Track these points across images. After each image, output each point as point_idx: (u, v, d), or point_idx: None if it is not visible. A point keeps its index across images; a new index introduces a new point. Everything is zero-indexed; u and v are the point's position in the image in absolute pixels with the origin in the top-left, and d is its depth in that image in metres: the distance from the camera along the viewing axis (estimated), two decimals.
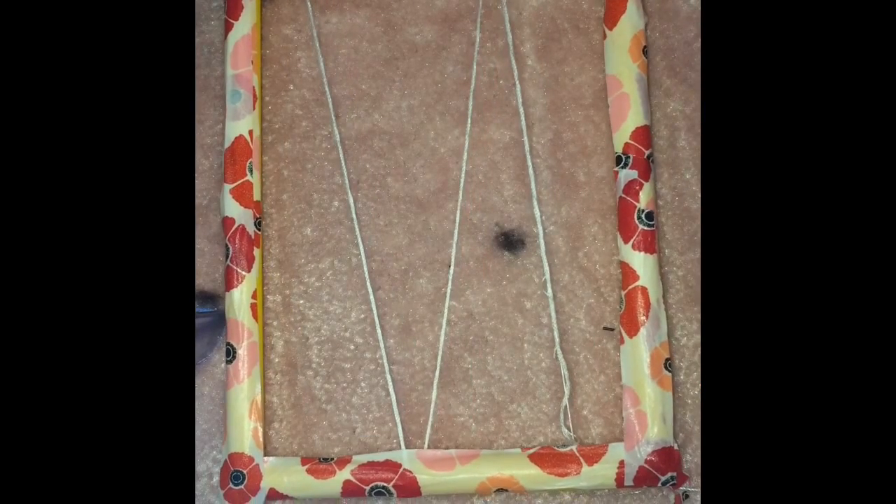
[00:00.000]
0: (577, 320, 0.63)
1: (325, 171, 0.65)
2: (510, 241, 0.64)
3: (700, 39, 0.66)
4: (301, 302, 0.63)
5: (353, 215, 0.64)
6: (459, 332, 0.63)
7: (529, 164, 0.64)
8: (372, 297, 0.63)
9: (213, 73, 0.66)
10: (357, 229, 0.64)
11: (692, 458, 0.61)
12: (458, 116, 0.65)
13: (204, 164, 0.65)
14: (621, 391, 0.61)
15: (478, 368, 0.62)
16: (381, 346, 0.63)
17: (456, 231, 0.64)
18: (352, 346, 0.63)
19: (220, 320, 0.62)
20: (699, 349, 0.62)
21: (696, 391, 0.61)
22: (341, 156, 0.65)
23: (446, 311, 0.63)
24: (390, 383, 0.62)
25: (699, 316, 0.62)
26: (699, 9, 0.66)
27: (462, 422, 0.62)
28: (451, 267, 0.63)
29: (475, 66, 0.66)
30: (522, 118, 0.65)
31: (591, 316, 0.63)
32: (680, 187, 0.64)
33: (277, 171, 0.65)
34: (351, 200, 0.64)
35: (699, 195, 0.64)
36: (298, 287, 0.64)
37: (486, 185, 0.64)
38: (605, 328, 0.62)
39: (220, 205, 0.63)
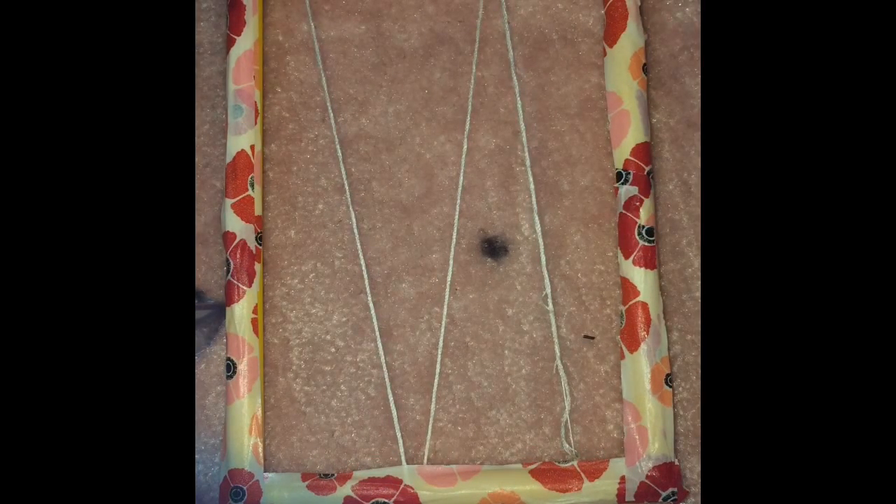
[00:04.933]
0: (558, 328, 0.63)
1: (311, 174, 0.65)
2: (493, 248, 0.64)
3: (686, 51, 0.66)
4: (283, 304, 0.64)
5: (353, 219, 0.64)
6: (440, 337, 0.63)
7: (529, 173, 0.64)
8: (370, 299, 0.63)
9: (200, 73, 0.66)
10: (356, 233, 0.64)
11: (689, 476, 0.61)
12: (445, 123, 0.66)
13: None
14: (601, 400, 0.62)
15: (458, 374, 0.63)
16: (380, 350, 0.63)
17: (454, 234, 0.64)
18: (332, 349, 0.63)
19: (219, 312, 0.63)
20: (678, 359, 0.62)
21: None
22: (340, 159, 0.65)
23: (444, 314, 0.63)
24: (391, 397, 0.62)
25: (679, 325, 0.63)
26: (685, 22, 0.67)
27: (441, 427, 0.62)
28: (450, 269, 0.63)
29: (474, 71, 0.66)
30: (523, 129, 0.65)
31: (571, 324, 0.63)
32: (663, 198, 0.64)
33: (262, 173, 0.65)
34: (349, 201, 0.64)
35: (682, 206, 0.64)
36: (280, 289, 0.64)
37: (470, 191, 0.65)
38: (586, 336, 0.63)
39: (221, 220, 0.63)
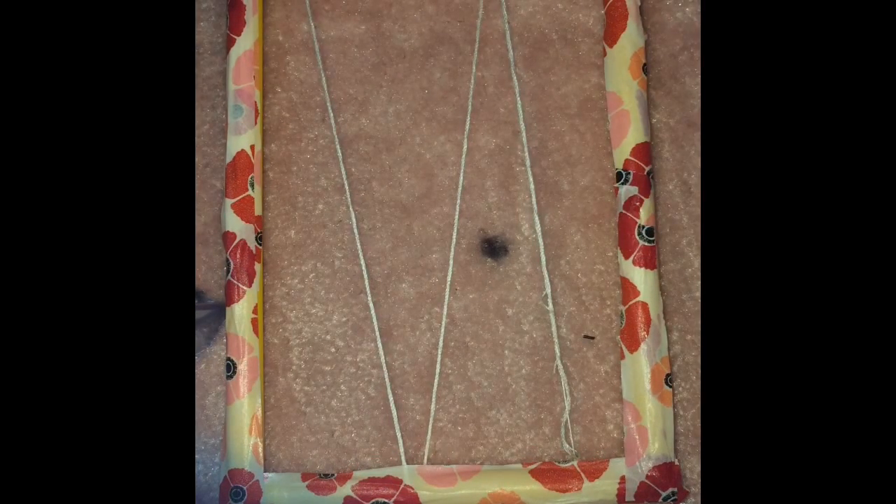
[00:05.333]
0: (558, 328, 0.63)
1: (311, 174, 0.65)
2: (493, 248, 0.64)
3: (686, 51, 0.66)
4: (283, 304, 0.64)
5: (353, 219, 0.64)
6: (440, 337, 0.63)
7: (529, 173, 0.64)
8: (370, 299, 0.63)
9: (200, 73, 0.66)
10: (356, 233, 0.64)
11: (689, 476, 0.61)
12: (445, 123, 0.66)
13: None
14: (601, 400, 0.62)
15: (458, 374, 0.63)
16: (380, 350, 0.63)
17: (454, 234, 0.64)
18: (332, 349, 0.63)
19: (219, 312, 0.63)
20: (678, 359, 0.62)
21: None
22: (340, 159, 0.65)
23: (444, 314, 0.63)
24: (391, 397, 0.62)
25: (679, 325, 0.63)
26: (685, 22, 0.67)
27: (441, 427, 0.62)
28: (450, 269, 0.63)
29: (474, 71, 0.66)
30: (523, 129, 0.65)
31: (571, 324, 0.63)
32: (663, 198, 0.64)
33: (262, 173, 0.65)
34: (349, 201, 0.64)
35: (682, 206, 0.64)
36: (281, 289, 0.64)
37: (470, 191, 0.65)
38: (586, 336, 0.63)
39: (221, 220, 0.63)
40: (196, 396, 0.62)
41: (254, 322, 0.62)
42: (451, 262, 0.63)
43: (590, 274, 0.63)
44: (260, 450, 0.60)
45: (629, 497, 0.59)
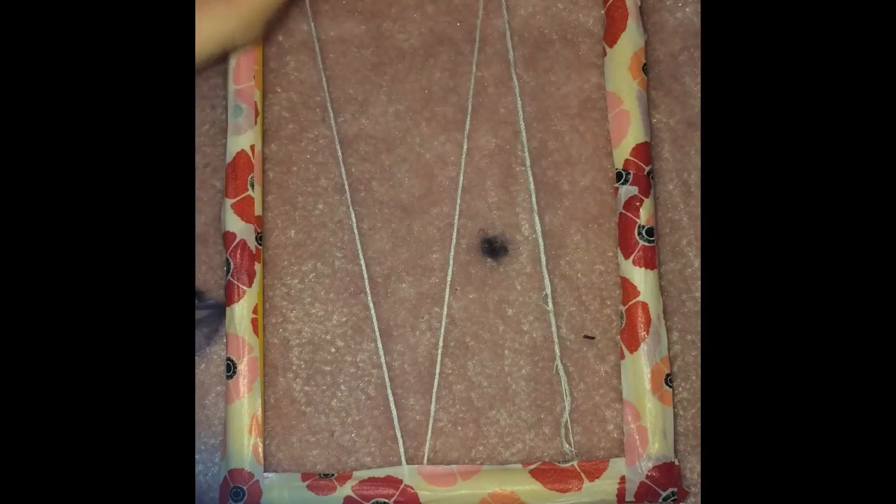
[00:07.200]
0: (558, 328, 0.63)
1: (311, 174, 0.65)
2: (493, 248, 0.64)
3: (686, 51, 0.66)
4: (283, 304, 0.64)
5: (353, 219, 0.64)
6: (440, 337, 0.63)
7: (529, 173, 0.64)
8: (370, 299, 0.63)
9: (200, 73, 0.66)
10: (356, 233, 0.64)
11: (689, 476, 0.61)
12: (445, 123, 0.66)
13: None
14: (601, 400, 0.62)
15: (458, 374, 0.63)
16: (380, 350, 0.63)
17: (454, 234, 0.64)
18: (332, 349, 0.63)
19: (219, 312, 0.63)
20: (678, 359, 0.62)
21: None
22: (340, 159, 0.65)
23: (444, 314, 0.63)
24: (391, 397, 0.62)
25: (679, 325, 0.63)
26: (685, 22, 0.67)
27: (441, 427, 0.62)
28: (450, 269, 0.63)
29: (474, 71, 0.66)
30: (523, 129, 0.65)
31: (571, 324, 0.63)
32: (663, 198, 0.64)
33: (262, 173, 0.65)
34: (349, 201, 0.64)
35: (682, 206, 0.64)
36: (281, 289, 0.64)
37: (470, 191, 0.65)
38: (586, 336, 0.63)
39: (221, 220, 0.63)
40: (196, 396, 0.62)
41: (254, 322, 0.62)
42: (451, 262, 0.64)
43: (590, 274, 0.63)
44: (260, 450, 0.60)
45: (629, 497, 0.59)
